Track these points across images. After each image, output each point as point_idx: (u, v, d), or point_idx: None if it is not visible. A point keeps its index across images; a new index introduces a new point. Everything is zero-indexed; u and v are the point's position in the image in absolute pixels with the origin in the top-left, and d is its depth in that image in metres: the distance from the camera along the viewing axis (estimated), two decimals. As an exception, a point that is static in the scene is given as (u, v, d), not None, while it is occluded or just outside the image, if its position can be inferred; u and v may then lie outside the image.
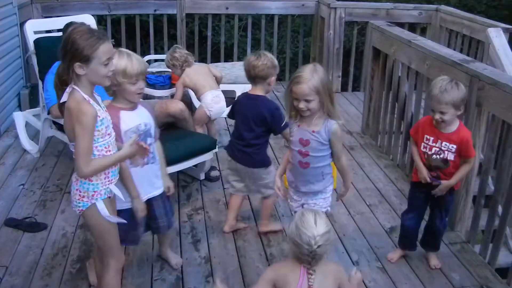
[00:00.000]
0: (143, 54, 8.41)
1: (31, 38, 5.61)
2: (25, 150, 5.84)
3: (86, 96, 2.81)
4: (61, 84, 2.86)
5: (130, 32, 8.69)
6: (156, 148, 3.54)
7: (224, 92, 5.68)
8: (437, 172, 3.80)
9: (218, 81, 5.67)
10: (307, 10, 8.78)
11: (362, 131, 6.75)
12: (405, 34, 5.84)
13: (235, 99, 4.36)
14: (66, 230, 4.40)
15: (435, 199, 3.90)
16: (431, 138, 3.77)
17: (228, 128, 6.64)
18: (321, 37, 8.45)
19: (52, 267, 3.94)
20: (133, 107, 3.37)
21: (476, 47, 7.05)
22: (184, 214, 4.69)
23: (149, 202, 3.54)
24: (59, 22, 5.71)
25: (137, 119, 3.36)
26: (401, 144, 5.73)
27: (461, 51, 7.05)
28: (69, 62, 2.77)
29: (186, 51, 5.60)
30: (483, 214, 4.34)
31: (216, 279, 3.26)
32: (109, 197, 3.02)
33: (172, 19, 8.57)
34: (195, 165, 5.10)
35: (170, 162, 4.00)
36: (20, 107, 6.87)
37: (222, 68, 7.03)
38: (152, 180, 3.53)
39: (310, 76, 3.24)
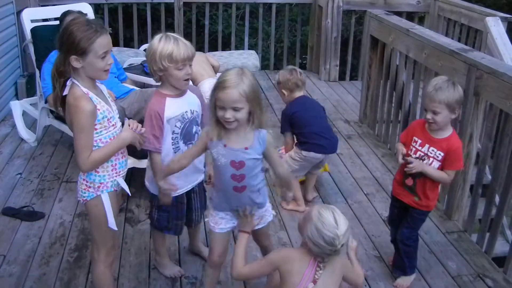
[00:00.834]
0: (140, 43, 8.42)
1: (28, 26, 5.59)
2: (22, 139, 5.83)
3: (85, 90, 2.78)
4: (59, 75, 2.83)
5: (127, 21, 8.66)
6: None
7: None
8: (414, 179, 3.55)
9: (216, 69, 5.67)
10: (304, -2, 8.76)
11: (360, 120, 6.75)
12: (403, 23, 5.83)
13: None
14: (63, 219, 4.40)
15: (407, 213, 3.69)
16: (419, 141, 3.54)
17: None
18: (319, 26, 8.44)
19: (50, 255, 3.95)
20: (180, 93, 3.28)
21: (474, 36, 7.04)
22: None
23: (188, 193, 3.55)
24: (56, 11, 5.69)
25: (184, 106, 3.28)
26: (398, 133, 5.73)
27: (459, 40, 7.04)
28: (65, 54, 2.74)
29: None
30: (480, 203, 4.35)
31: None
32: (116, 190, 3.01)
33: (169, 8, 8.54)
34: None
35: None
36: (17, 96, 6.85)
37: (219, 57, 7.02)
38: (195, 170, 3.46)
39: (239, 80, 2.78)
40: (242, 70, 2.84)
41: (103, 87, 3.00)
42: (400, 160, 3.54)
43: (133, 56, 6.92)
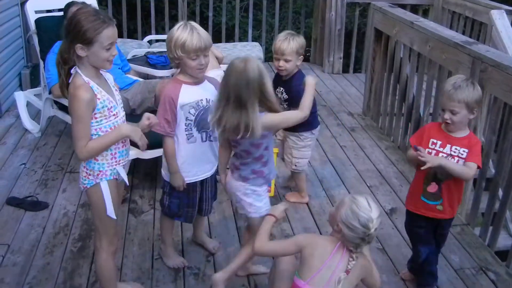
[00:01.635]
0: (144, 34, 8.42)
1: (32, 17, 5.59)
2: (26, 130, 5.84)
3: (86, 79, 2.79)
4: (64, 63, 2.85)
5: (131, 12, 8.65)
6: None
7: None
8: (439, 184, 3.37)
9: (220, 61, 5.66)
10: (309, -9, 8.74)
11: (363, 112, 6.74)
12: (407, 15, 5.82)
13: None
14: (67, 209, 4.41)
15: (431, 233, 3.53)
16: (439, 142, 3.34)
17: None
18: (323, 18, 8.42)
19: (54, 245, 3.96)
20: (197, 81, 3.34)
21: (478, 29, 7.02)
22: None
23: (201, 183, 3.57)
24: (60, 2, 5.67)
25: (199, 94, 3.33)
26: (402, 126, 5.74)
27: (463, 33, 7.02)
28: (71, 42, 2.75)
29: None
30: (483, 197, 4.35)
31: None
32: (116, 179, 3.02)
33: (173, -1, 8.54)
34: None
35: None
36: (21, 87, 6.86)
37: (223, 48, 7.02)
38: (209, 159, 3.52)
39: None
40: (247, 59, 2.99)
41: (109, 76, 3.01)
42: (422, 158, 3.22)
43: (137, 48, 6.92)
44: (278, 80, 4.30)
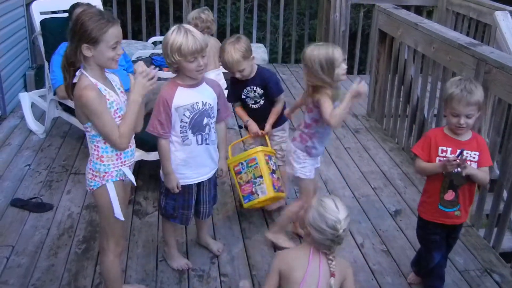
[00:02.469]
0: (148, 35, 8.44)
1: (37, 19, 5.60)
2: (31, 131, 5.85)
3: (93, 80, 2.81)
4: (69, 66, 2.86)
5: (135, 13, 8.67)
6: (218, 129, 3.55)
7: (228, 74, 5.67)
8: (455, 191, 3.31)
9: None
10: (313, -8, 8.74)
11: (368, 114, 6.74)
12: (412, 17, 5.82)
13: None
14: (72, 211, 4.42)
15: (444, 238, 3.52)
16: (449, 149, 3.27)
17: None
18: (327, 20, 8.41)
19: (58, 247, 3.97)
20: (194, 84, 3.35)
21: (483, 30, 7.01)
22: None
23: (198, 185, 3.58)
24: (65, 3, 5.68)
25: (195, 97, 3.34)
26: (406, 128, 5.73)
27: (467, 34, 7.01)
28: (77, 43, 2.77)
29: (213, 18, 5.51)
30: (488, 198, 4.34)
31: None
32: (122, 180, 3.02)
33: (177, 0, 8.53)
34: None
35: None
36: (26, 88, 6.88)
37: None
38: (205, 162, 3.53)
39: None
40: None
41: (115, 78, 3.02)
42: (452, 158, 3.18)
43: (141, 49, 6.93)
44: (242, 82, 4.15)
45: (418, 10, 8.11)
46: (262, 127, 4.26)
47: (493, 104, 4.30)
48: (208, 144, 3.45)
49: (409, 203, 4.72)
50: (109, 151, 2.93)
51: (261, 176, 4.00)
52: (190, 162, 3.43)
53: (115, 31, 2.80)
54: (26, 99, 6.05)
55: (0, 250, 3.90)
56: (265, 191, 3.99)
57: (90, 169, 2.97)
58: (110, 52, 2.81)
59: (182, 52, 3.15)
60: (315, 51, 3.55)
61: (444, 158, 3.24)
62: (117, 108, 2.90)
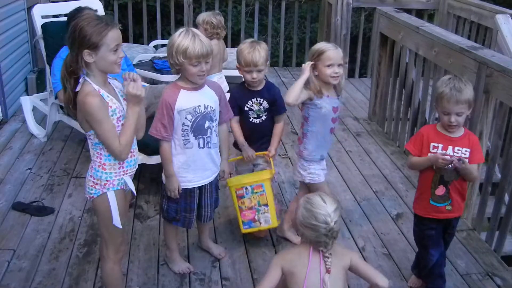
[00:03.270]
0: (149, 39, 8.44)
1: (38, 22, 5.61)
2: (32, 135, 5.86)
3: (96, 87, 2.79)
4: (69, 75, 2.82)
5: (137, 17, 8.68)
6: (219, 131, 3.56)
7: (231, 77, 5.68)
8: (446, 186, 3.37)
9: (224, 62, 5.72)
10: (314, -5, 8.74)
11: (369, 117, 6.74)
12: (413, 20, 5.82)
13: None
14: (73, 214, 4.42)
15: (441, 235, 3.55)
16: (440, 145, 3.34)
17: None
18: (328, 23, 8.41)
19: (60, 250, 3.97)
20: (196, 87, 3.36)
21: (484, 33, 7.01)
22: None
23: (200, 189, 3.58)
24: (66, 7, 5.69)
25: (197, 100, 3.34)
26: (407, 131, 5.73)
27: (468, 38, 7.01)
28: (78, 50, 2.74)
29: (223, 25, 5.49)
30: (489, 201, 4.33)
31: None
32: (123, 189, 3.00)
33: (179, 4, 8.56)
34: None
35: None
36: (27, 92, 6.88)
37: (229, 53, 7.01)
38: (207, 166, 3.53)
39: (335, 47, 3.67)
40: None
41: (118, 84, 3.00)
42: (449, 158, 3.24)
43: (143, 53, 6.94)
44: (249, 93, 3.92)
45: (419, 13, 8.12)
46: (256, 147, 3.96)
47: (495, 107, 4.29)
48: (209, 147, 3.46)
49: (411, 206, 4.66)
50: (111, 159, 2.91)
51: (266, 205, 3.85)
52: (191, 166, 3.44)
53: (114, 34, 2.78)
54: (27, 102, 6.06)
55: (1, 253, 3.90)
56: (269, 221, 3.88)
57: (91, 176, 2.95)
58: (112, 55, 2.78)
59: (188, 54, 3.17)
60: (317, 44, 3.75)
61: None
62: (120, 116, 2.88)
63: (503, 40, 6.10)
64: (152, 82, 5.86)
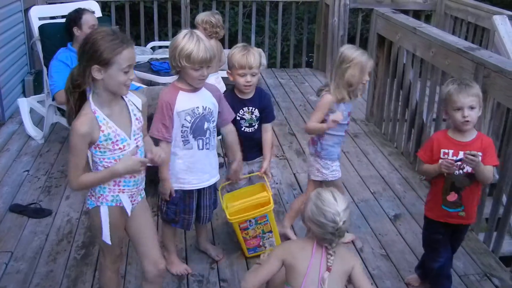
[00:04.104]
0: (147, 40, 8.44)
1: (35, 24, 5.60)
2: (29, 136, 5.85)
3: (94, 108, 2.66)
4: (74, 88, 2.69)
5: (134, 18, 8.68)
6: (227, 133, 3.57)
7: (227, 78, 5.67)
8: (458, 193, 3.32)
9: (221, 64, 5.71)
10: (311, -4, 8.74)
11: (366, 118, 6.74)
12: (410, 21, 5.83)
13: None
14: (70, 216, 4.41)
15: (449, 239, 3.52)
16: (451, 151, 3.27)
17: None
18: (326, 24, 8.43)
19: (57, 252, 3.96)
20: (195, 89, 3.36)
21: (481, 34, 7.03)
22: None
23: (199, 190, 3.58)
24: (63, 8, 5.70)
25: (196, 101, 3.35)
26: (405, 132, 5.73)
27: (466, 39, 7.03)
28: (86, 63, 2.59)
29: (222, 24, 5.50)
30: (487, 202, 4.34)
31: None
32: (119, 205, 2.87)
33: (176, 5, 8.55)
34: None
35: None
36: (24, 94, 6.88)
37: (226, 55, 7.02)
38: (206, 168, 3.53)
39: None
40: None
41: (137, 100, 2.86)
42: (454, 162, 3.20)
43: (140, 54, 6.91)
44: (240, 102, 3.79)
45: (417, 14, 8.13)
46: (250, 156, 3.90)
47: (492, 108, 4.30)
48: (208, 149, 3.46)
49: (409, 207, 4.71)
50: None
51: (270, 231, 3.84)
52: (191, 167, 3.44)
53: (129, 53, 2.62)
54: (24, 104, 6.05)
55: (-1, 256, 3.90)
56: (274, 244, 3.87)
57: None
58: (122, 76, 2.63)
59: (191, 59, 3.17)
60: (352, 51, 3.75)
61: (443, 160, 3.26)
62: (117, 140, 2.73)
63: (500, 41, 6.11)
64: (150, 83, 5.85)
